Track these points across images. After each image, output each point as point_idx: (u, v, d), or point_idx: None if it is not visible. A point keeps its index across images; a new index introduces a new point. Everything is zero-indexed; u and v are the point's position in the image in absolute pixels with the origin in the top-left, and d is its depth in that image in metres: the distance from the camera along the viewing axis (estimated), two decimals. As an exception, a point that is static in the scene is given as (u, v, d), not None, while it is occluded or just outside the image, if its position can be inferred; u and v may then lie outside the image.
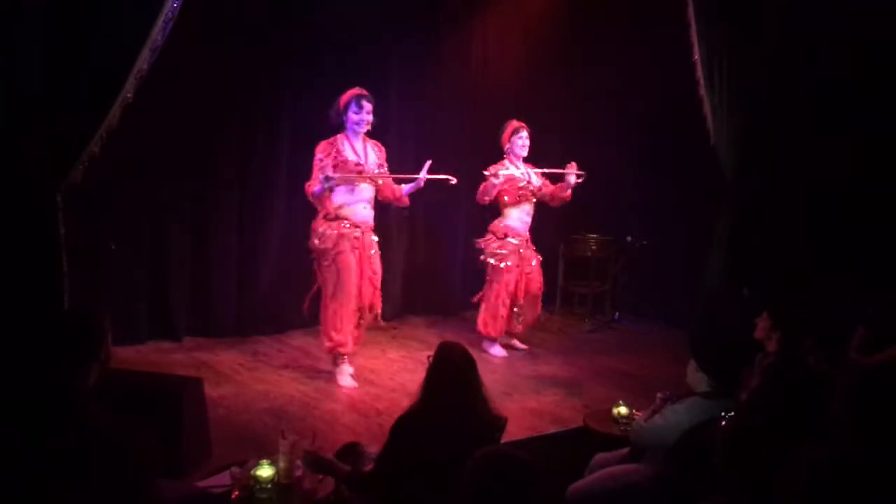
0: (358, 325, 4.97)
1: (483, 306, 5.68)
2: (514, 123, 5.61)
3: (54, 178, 3.87)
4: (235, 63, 5.49)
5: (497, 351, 5.66)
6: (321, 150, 4.76)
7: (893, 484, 1.77)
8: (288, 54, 5.70)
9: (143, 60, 3.92)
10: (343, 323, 4.80)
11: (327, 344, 4.87)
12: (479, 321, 5.69)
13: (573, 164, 5.57)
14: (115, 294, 5.16)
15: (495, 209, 5.71)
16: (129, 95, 3.94)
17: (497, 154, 5.66)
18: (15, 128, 3.75)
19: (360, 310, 4.92)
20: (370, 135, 4.94)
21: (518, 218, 5.64)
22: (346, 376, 4.87)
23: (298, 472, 2.94)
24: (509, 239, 5.60)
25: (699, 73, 5.42)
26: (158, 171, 5.40)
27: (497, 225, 5.67)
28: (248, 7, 5.48)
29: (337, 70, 5.63)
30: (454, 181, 5.07)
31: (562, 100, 6.97)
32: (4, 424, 2.17)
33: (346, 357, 4.89)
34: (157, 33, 3.93)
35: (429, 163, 4.95)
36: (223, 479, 2.99)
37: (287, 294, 5.73)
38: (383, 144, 5.08)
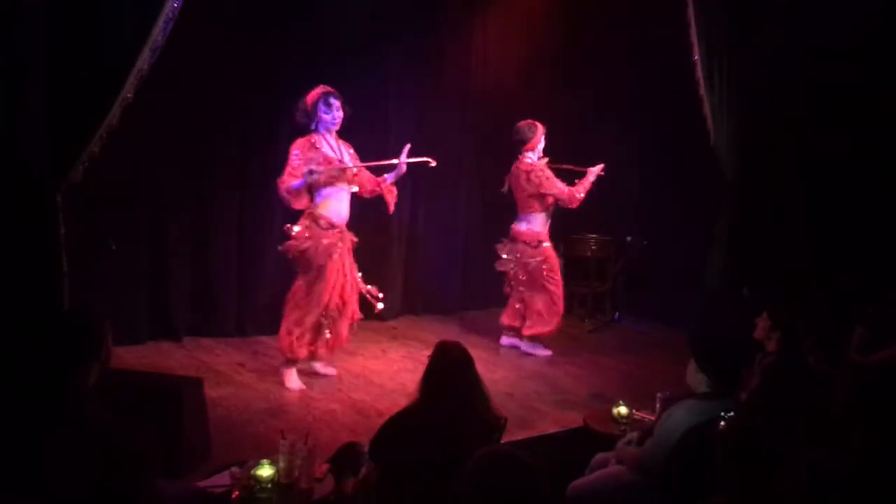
0: (350, 329, 4.93)
1: (543, 311, 5.63)
2: (542, 126, 5.56)
3: (54, 178, 3.86)
4: (235, 63, 5.49)
5: (542, 351, 5.69)
6: (298, 146, 4.69)
7: (893, 484, 1.77)
8: (288, 54, 5.69)
9: (143, 60, 3.90)
10: (303, 331, 4.70)
11: (281, 344, 4.76)
12: (537, 326, 5.65)
13: (601, 165, 5.58)
14: (115, 294, 5.16)
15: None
16: (129, 95, 3.92)
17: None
18: (15, 128, 3.74)
19: (328, 317, 4.78)
20: (342, 132, 4.86)
21: (544, 222, 5.67)
22: (294, 378, 4.74)
23: (297, 473, 2.95)
24: (544, 244, 5.65)
25: (699, 73, 5.42)
26: (158, 171, 5.40)
27: (530, 231, 5.63)
28: (248, 7, 5.47)
29: (337, 70, 5.61)
30: (433, 163, 4.93)
31: (561, 100, 6.96)
32: (5, 424, 2.17)
33: (297, 362, 4.77)
34: (157, 33, 3.92)
35: (408, 146, 4.86)
36: (223, 479, 2.99)
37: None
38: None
